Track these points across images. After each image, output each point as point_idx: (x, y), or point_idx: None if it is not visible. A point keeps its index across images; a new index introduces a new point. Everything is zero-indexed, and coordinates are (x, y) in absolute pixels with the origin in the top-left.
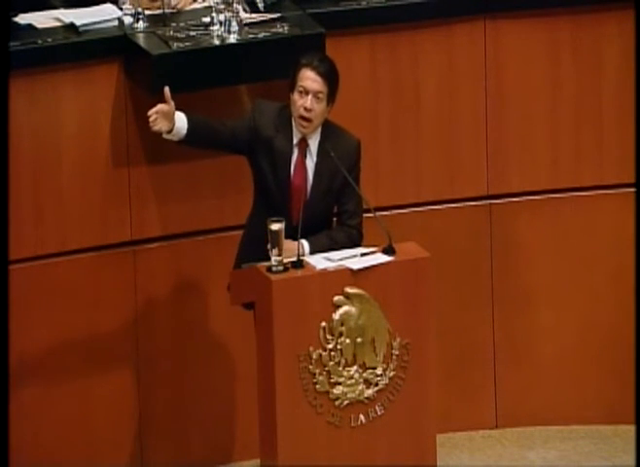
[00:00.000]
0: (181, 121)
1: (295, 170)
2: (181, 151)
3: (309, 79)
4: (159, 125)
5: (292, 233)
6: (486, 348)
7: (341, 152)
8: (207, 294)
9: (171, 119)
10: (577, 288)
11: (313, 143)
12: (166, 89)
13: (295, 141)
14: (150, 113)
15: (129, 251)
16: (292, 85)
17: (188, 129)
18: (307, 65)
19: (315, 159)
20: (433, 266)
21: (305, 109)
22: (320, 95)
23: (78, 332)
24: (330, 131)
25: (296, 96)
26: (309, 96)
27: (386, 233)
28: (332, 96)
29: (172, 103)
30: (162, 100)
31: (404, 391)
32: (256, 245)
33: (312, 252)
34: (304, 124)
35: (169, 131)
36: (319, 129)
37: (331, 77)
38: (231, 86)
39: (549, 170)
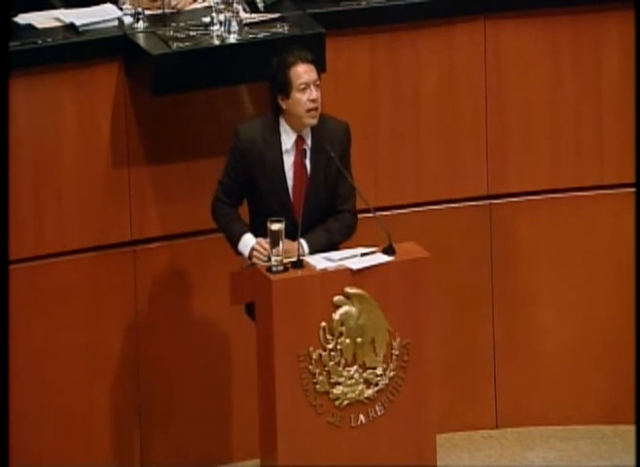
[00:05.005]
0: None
1: (294, 175)
2: (181, 151)
3: (305, 72)
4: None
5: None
6: (486, 348)
7: (333, 137)
8: (207, 294)
9: None
10: (577, 288)
11: (308, 137)
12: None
13: (288, 146)
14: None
15: (129, 251)
16: (286, 88)
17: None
18: (296, 61)
19: (310, 152)
20: (433, 266)
21: (313, 101)
22: (317, 82)
23: (78, 332)
24: (318, 121)
25: (298, 95)
26: (311, 87)
27: (386, 234)
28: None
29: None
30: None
31: (404, 391)
32: None
33: (312, 251)
34: (314, 114)
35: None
36: None
37: (314, 61)
38: (231, 86)
39: (549, 170)
